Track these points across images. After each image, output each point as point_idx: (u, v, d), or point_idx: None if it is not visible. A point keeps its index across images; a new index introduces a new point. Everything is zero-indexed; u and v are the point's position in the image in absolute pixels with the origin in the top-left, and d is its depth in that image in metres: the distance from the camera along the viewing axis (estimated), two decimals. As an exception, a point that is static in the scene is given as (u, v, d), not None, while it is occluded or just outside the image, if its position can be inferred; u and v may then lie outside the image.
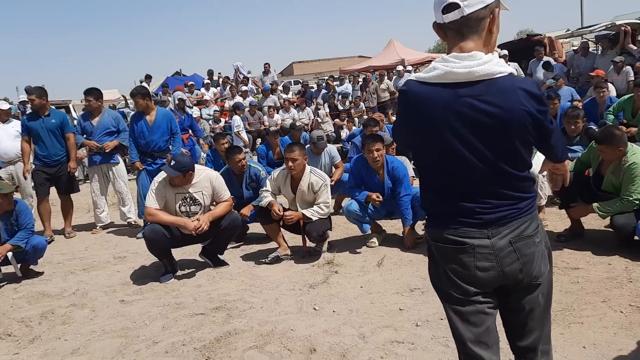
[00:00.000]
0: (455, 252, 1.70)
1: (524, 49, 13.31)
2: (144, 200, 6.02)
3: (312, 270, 4.59)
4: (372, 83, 14.52)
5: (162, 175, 4.69)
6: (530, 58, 12.37)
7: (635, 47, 11.07)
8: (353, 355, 3.02)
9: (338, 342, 3.19)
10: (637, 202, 4.14)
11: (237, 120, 11.80)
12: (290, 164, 4.79)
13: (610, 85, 9.89)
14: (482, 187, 1.67)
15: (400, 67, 15.56)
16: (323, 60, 49.86)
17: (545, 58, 12.14)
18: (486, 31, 1.64)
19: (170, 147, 6.47)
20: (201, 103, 14.62)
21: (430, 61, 19.81)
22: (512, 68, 1.69)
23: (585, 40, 12.90)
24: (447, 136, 1.63)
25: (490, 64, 1.57)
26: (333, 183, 5.89)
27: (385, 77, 14.47)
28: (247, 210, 5.42)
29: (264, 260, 4.89)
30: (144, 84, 16.02)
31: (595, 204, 4.29)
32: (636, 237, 4.14)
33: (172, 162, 4.57)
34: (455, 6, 1.59)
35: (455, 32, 1.63)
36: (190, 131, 10.45)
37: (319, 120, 13.03)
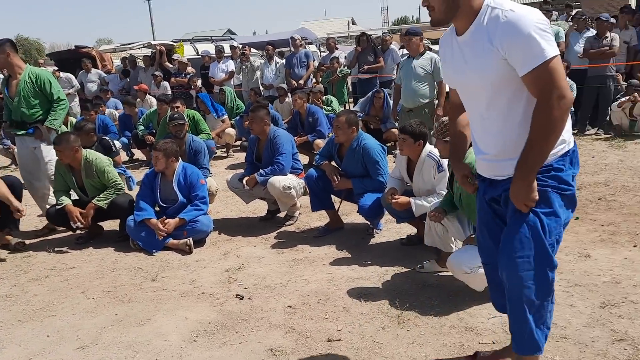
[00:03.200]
0: None
1: (73, 60, 13.51)
2: None
3: None
4: None
5: None
6: (79, 69, 12.67)
7: (171, 65, 12.70)
8: None
9: None
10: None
11: None
12: None
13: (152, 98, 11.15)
14: None
15: None
16: None
17: (94, 70, 12.69)
18: None
19: None
20: None
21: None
22: None
23: (130, 54, 13.99)
24: None
25: None
26: None
27: None
28: None
29: None
30: None
31: None
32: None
33: None
34: None
35: None
36: None
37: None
